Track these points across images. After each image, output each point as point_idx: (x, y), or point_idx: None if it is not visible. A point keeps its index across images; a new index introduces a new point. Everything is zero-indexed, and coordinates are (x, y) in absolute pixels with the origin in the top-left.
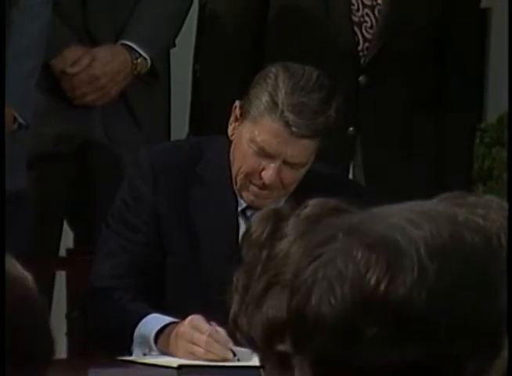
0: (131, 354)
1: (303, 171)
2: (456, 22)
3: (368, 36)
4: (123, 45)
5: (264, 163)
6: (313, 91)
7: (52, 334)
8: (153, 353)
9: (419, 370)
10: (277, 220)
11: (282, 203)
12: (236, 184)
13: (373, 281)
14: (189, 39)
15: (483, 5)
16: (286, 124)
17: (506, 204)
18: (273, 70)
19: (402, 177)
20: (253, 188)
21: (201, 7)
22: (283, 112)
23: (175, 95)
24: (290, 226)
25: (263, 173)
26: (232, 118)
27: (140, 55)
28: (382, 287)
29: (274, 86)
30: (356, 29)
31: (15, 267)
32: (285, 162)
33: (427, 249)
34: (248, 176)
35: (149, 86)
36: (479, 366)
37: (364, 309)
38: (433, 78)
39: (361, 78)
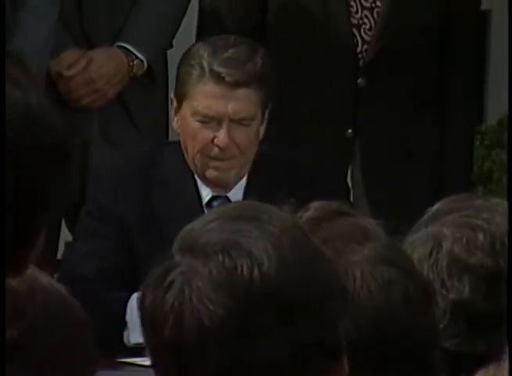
0: (123, 341)
1: (254, 128)
2: (455, 24)
3: (367, 38)
4: (119, 47)
5: (212, 132)
6: (234, 46)
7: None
8: None
9: (315, 348)
10: None
11: (244, 179)
12: (197, 170)
13: (245, 271)
14: (189, 40)
15: (483, 7)
16: (219, 77)
17: None
18: (192, 47)
19: (401, 179)
20: (213, 162)
21: (201, 9)
22: (211, 70)
23: None
24: None
25: (215, 140)
26: (172, 113)
27: (136, 57)
28: (256, 272)
29: (197, 57)
30: (355, 31)
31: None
32: (232, 120)
33: (267, 240)
34: (204, 152)
35: (147, 88)
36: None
37: (248, 299)
38: (432, 80)
39: (359, 80)
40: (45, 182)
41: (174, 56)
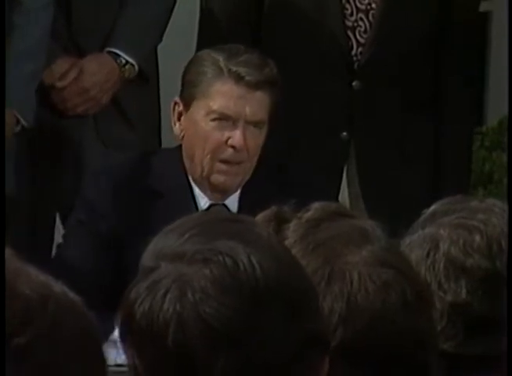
0: None
1: (263, 133)
2: (453, 25)
3: (361, 40)
4: (109, 52)
5: (227, 132)
6: (246, 53)
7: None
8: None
9: (313, 343)
10: (279, 222)
11: (241, 185)
12: (202, 175)
13: (248, 270)
14: (186, 39)
15: (484, 8)
16: (238, 76)
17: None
18: (201, 53)
19: (398, 181)
20: (221, 166)
21: (201, 9)
22: (230, 70)
23: (170, 95)
24: (292, 229)
25: (230, 140)
26: (174, 118)
27: (127, 61)
28: (258, 271)
29: (212, 60)
30: (350, 33)
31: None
32: (247, 122)
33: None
34: (215, 153)
35: (141, 87)
36: None
37: (254, 297)
38: (429, 82)
39: (354, 83)
40: None
41: (174, 56)
